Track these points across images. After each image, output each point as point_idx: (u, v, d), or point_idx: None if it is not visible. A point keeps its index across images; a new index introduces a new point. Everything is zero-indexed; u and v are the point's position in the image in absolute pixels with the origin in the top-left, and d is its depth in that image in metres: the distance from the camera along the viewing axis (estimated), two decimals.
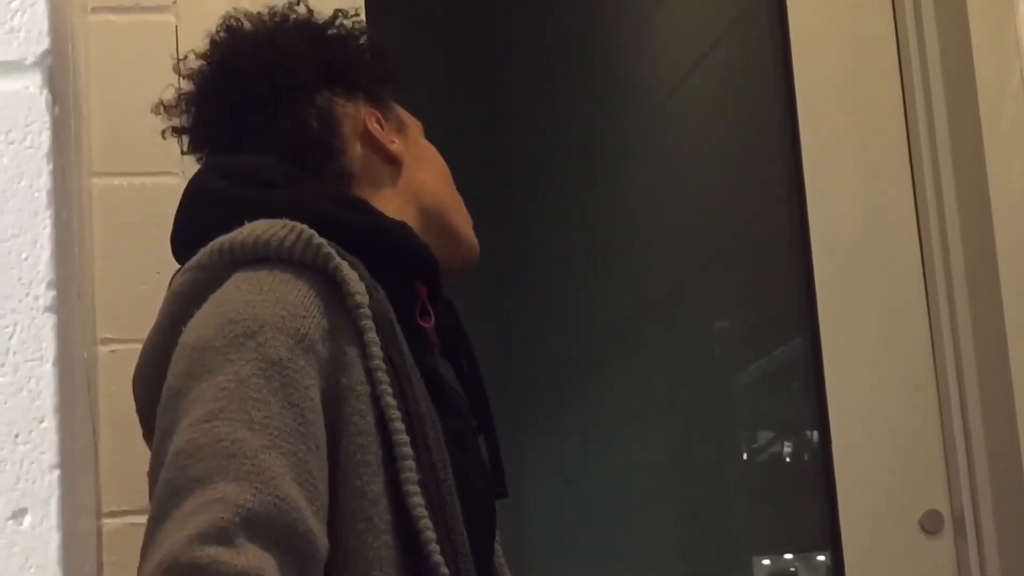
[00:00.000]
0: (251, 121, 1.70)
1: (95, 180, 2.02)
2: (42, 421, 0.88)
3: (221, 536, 1.25)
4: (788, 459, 2.95)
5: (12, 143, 0.91)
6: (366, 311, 1.47)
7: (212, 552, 1.24)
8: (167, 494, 1.31)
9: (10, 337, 0.89)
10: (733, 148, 2.92)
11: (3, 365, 0.88)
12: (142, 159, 2.07)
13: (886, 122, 2.57)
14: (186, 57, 1.76)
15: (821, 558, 2.78)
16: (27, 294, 0.89)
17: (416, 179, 1.73)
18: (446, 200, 1.76)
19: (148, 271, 2.04)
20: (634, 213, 3.28)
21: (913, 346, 2.52)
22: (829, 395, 2.52)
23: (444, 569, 1.43)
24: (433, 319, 1.64)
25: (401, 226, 1.63)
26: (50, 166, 0.91)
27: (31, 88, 0.91)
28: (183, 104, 1.75)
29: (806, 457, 2.84)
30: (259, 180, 1.61)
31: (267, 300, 1.42)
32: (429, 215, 1.73)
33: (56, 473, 0.88)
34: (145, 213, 2.06)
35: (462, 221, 1.77)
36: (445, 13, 2.89)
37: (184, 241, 1.62)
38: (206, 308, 1.45)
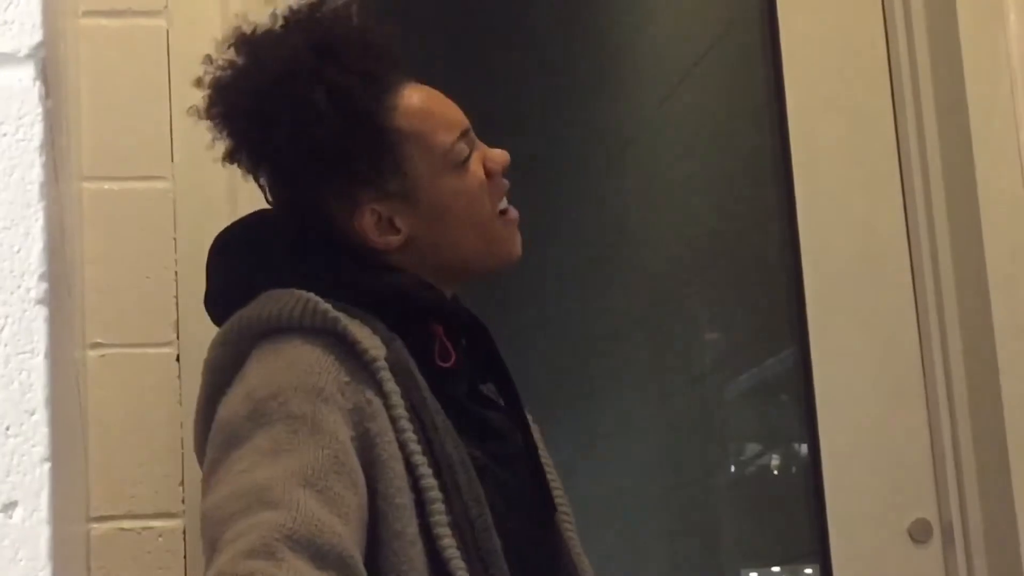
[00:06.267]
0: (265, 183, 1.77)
1: (85, 184, 2.01)
2: (33, 414, 0.87)
3: (265, 551, 1.30)
4: (776, 471, 2.95)
5: (4, 135, 0.90)
6: (382, 363, 1.54)
7: (254, 564, 1.28)
8: (211, 528, 1.37)
9: (1, 330, 0.88)
10: (724, 158, 2.92)
11: None
12: (133, 163, 2.06)
13: (876, 133, 2.57)
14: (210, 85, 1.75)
15: (808, 571, 2.78)
16: (19, 286, 0.89)
17: (427, 246, 1.72)
18: (467, 246, 1.75)
19: (138, 276, 2.03)
20: (623, 222, 3.27)
21: (902, 357, 2.51)
22: (819, 406, 2.51)
23: None
24: (453, 357, 1.67)
25: (401, 283, 1.67)
26: (42, 159, 0.90)
27: (24, 80, 0.91)
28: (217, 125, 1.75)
29: (794, 469, 2.84)
30: (268, 248, 1.70)
31: (282, 366, 1.51)
32: (448, 269, 1.74)
33: (47, 466, 0.87)
34: (136, 217, 2.05)
35: (488, 252, 1.77)
36: (434, 20, 2.89)
37: (216, 304, 1.71)
38: (235, 385, 1.54)
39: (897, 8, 2.55)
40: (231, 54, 1.72)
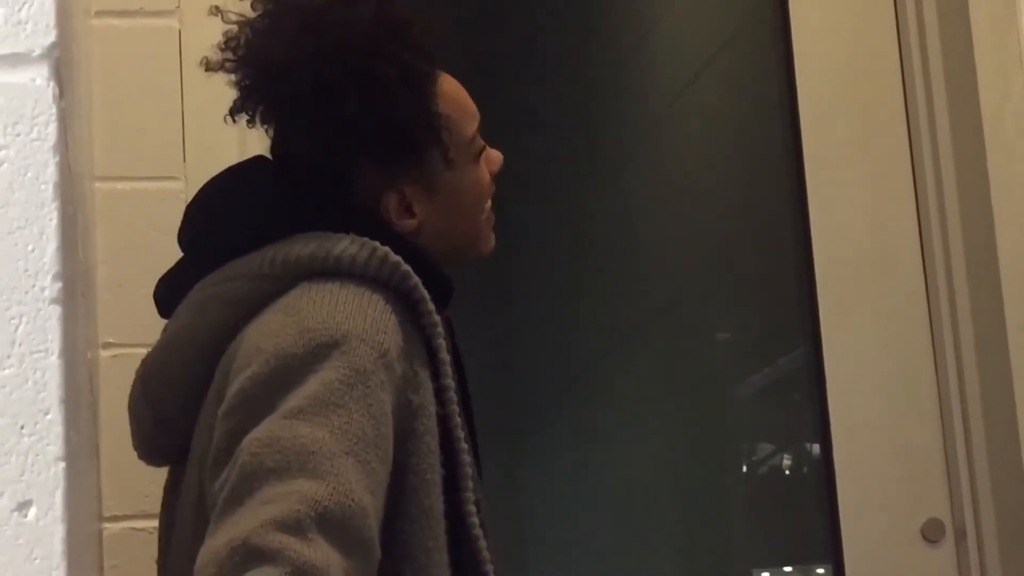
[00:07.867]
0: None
1: (98, 184, 2.01)
2: (47, 413, 0.88)
3: (295, 526, 1.26)
4: (788, 471, 2.95)
5: (19, 135, 0.90)
6: (440, 330, 1.51)
7: (284, 540, 1.25)
8: (241, 479, 1.32)
9: (16, 329, 0.88)
10: (735, 156, 2.92)
11: (9, 357, 0.88)
12: (145, 164, 2.07)
13: (889, 131, 2.56)
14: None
15: (821, 571, 2.78)
16: (33, 286, 0.89)
17: (432, 233, 1.68)
18: (459, 238, 1.72)
19: (151, 276, 2.03)
20: (635, 221, 3.27)
21: (915, 356, 2.51)
22: (831, 405, 2.51)
23: None
24: (450, 343, 1.66)
25: (431, 256, 1.63)
26: (57, 158, 0.90)
27: (38, 80, 0.91)
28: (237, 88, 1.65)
29: (806, 469, 2.83)
30: (291, 192, 1.60)
31: (347, 312, 1.44)
32: (446, 255, 1.70)
33: (61, 465, 0.87)
34: (148, 217, 2.05)
35: (471, 246, 1.74)
36: (442, 17, 2.89)
37: (220, 239, 1.60)
38: (277, 316, 1.46)
39: (909, 6, 2.55)
40: (255, 13, 1.62)
